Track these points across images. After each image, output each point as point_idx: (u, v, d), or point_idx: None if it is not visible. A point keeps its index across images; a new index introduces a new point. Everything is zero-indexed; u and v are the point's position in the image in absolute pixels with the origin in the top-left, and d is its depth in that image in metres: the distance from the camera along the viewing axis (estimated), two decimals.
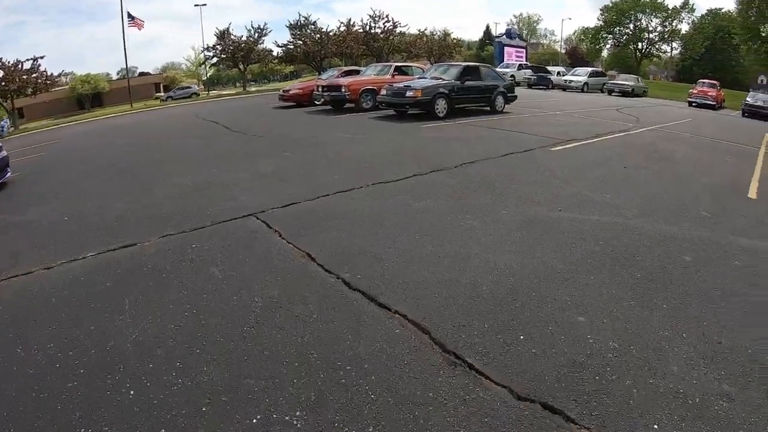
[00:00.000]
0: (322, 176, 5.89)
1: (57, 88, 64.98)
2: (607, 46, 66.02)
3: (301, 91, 16.41)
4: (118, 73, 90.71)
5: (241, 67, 36.78)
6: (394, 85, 12.00)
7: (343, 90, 13.37)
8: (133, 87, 61.81)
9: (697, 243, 3.92)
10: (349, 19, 37.88)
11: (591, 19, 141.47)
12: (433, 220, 4.22)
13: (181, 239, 3.95)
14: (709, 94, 26.36)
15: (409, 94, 11.07)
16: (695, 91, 27.05)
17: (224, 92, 48.12)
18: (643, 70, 61.18)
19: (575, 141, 8.87)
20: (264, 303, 2.83)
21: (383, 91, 12.03)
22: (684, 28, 61.17)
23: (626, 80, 31.90)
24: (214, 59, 35.71)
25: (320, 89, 14.42)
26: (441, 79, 12.02)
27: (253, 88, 53.33)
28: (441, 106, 11.40)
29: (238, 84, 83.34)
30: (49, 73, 28.76)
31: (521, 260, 3.40)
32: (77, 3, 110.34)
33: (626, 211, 4.64)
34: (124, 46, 31.98)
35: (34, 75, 28.13)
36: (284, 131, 10.28)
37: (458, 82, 11.87)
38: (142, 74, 78.22)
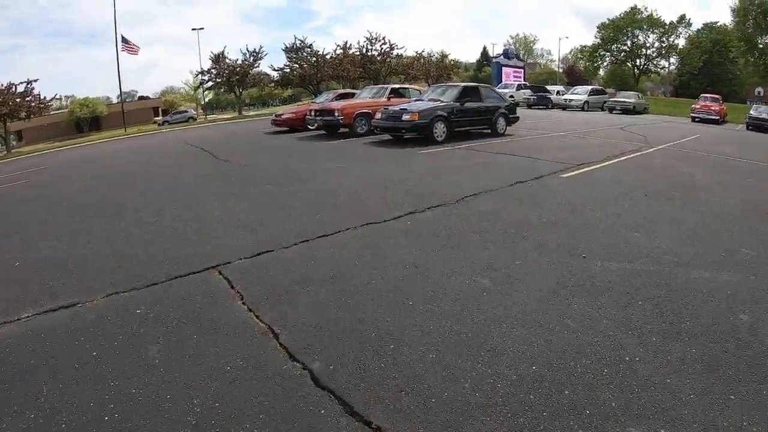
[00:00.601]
0: (304, 215, 5.14)
1: (55, 112, 65.60)
2: (605, 63, 66.09)
3: (293, 115, 15.82)
4: (118, 97, 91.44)
5: (237, 91, 36.44)
6: (390, 108, 11.34)
7: (336, 114, 12.74)
8: (132, 111, 62.19)
9: (747, 294, 3.16)
10: (346, 42, 37.77)
11: (584, 37, 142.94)
12: (433, 279, 3.41)
13: (128, 299, 3.22)
14: (712, 108, 26.04)
15: (405, 117, 10.41)
16: (698, 106, 26.71)
17: (222, 117, 47.94)
18: (640, 87, 61.16)
19: (587, 165, 8.16)
20: (202, 412, 2.04)
21: (378, 115, 11.38)
22: (681, 43, 61.34)
23: (627, 97, 31.47)
24: (210, 83, 35.30)
25: (313, 114, 13.80)
26: (439, 101, 11.39)
27: (252, 113, 53.28)
28: (440, 129, 10.74)
29: (237, 108, 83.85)
30: (42, 97, 28.21)
31: (550, 341, 2.58)
32: (77, 26, 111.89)
33: (661, 255, 3.86)
34: (118, 70, 31.34)
35: (28, 98, 27.67)
36: (272, 160, 9.59)
37: (457, 104, 11.23)
38: (141, 98, 78.62)
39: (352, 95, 15.88)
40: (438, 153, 9.42)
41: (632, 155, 9.76)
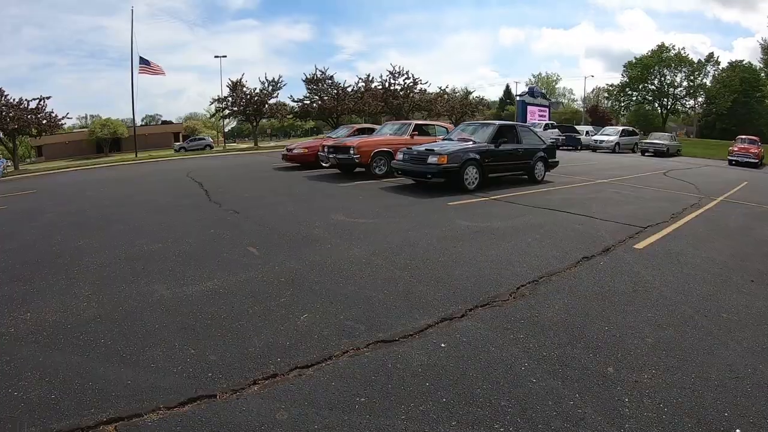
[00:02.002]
0: (281, 317, 3.39)
1: (78, 130, 66.35)
2: (632, 102, 64.56)
3: (306, 150, 14.39)
4: (142, 120, 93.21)
5: (254, 120, 35.54)
6: (414, 148, 9.72)
7: (351, 152, 11.21)
8: (153, 135, 62.83)
9: None
10: (368, 75, 36.86)
11: (603, 77, 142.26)
12: None
13: None
14: (751, 151, 24.63)
15: (431, 160, 8.78)
16: (735, 149, 25.31)
17: (239, 146, 47.33)
18: (666, 127, 59.45)
19: (654, 228, 6.58)
20: None
21: (399, 155, 9.78)
22: (707, 82, 59.69)
23: (660, 139, 29.68)
24: (226, 111, 34.44)
25: (326, 150, 12.31)
26: (470, 141, 9.79)
27: (271, 143, 52.59)
28: (471, 175, 9.09)
29: (259, 137, 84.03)
30: (54, 115, 27.53)
31: None
32: (106, 48, 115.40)
33: None
34: (132, 92, 30.67)
35: (39, 115, 26.97)
36: (270, 206, 7.98)
37: (492, 146, 9.60)
38: (164, 122, 79.57)
39: (372, 131, 14.41)
40: (472, 206, 7.73)
41: (696, 211, 8.18)
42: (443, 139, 10.87)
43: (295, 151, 14.74)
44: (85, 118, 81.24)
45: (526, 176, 10.82)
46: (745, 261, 5.19)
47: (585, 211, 7.58)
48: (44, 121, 27.30)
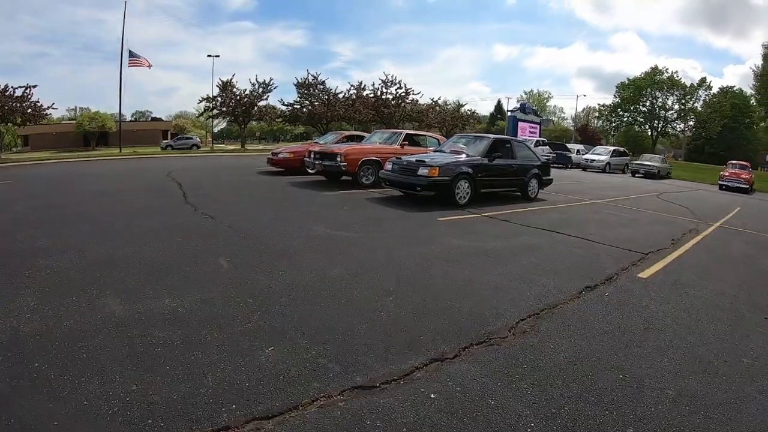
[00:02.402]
0: (243, 349, 2.83)
1: (67, 122, 64.98)
2: (623, 123, 65.25)
3: (291, 155, 13.87)
4: (132, 115, 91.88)
5: (242, 122, 34.85)
6: (404, 158, 9.28)
7: (338, 159, 10.73)
8: (142, 131, 61.89)
9: None
10: (360, 82, 36.44)
11: (593, 98, 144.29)
12: None
13: None
14: (742, 176, 24.96)
15: (422, 172, 8.34)
16: (726, 174, 25.59)
17: (227, 147, 46.61)
18: (655, 149, 60.20)
19: (656, 254, 6.23)
20: None
21: (388, 165, 9.32)
22: (698, 106, 60.65)
23: (651, 161, 29.79)
24: (215, 111, 33.67)
25: (312, 156, 11.81)
26: (463, 154, 9.38)
27: (260, 146, 51.80)
28: (463, 190, 8.67)
29: (248, 140, 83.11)
30: (39, 104, 26.59)
31: None
32: (101, 42, 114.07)
33: None
34: (120, 85, 29.74)
35: (25, 104, 26.01)
36: (248, 212, 7.44)
37: (485, 160, 9.21)
38: (154, 119, 78.31)
39: (361, 138, 13.96)
40: (463, 223, 7.29)
41: (695, 238, 7.90)
42: (434, 151, 10.47)
43: (280, 155, 14.21)
44: (75, 110, 79.94)
45: (519, 193, 10.45)
46: (753, 295, 4.84)
47: (583, 233, 7.19)
48: (29, 110, 26.41)
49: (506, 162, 9.79)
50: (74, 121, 61.32)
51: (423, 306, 3.72)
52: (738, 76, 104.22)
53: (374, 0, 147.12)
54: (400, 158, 9.25)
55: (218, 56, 47.56)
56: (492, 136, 10.39)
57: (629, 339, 3.40)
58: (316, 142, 15.30)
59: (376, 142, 12.33)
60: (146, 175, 13.66)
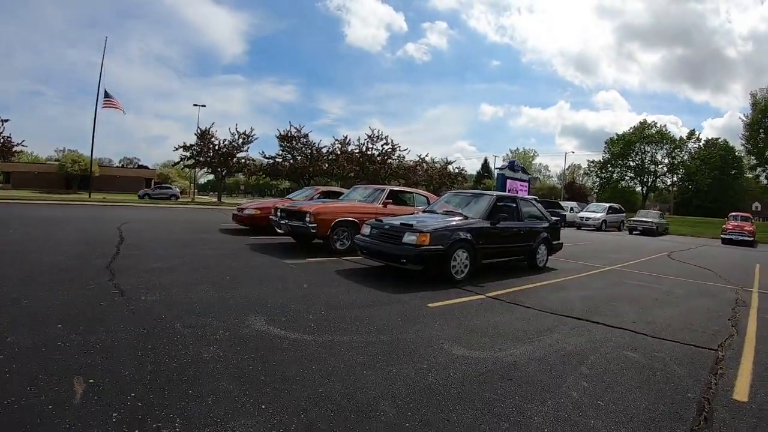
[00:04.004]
0: None
1: (52, 162, 63.27)
2: (612, 179, 65.08)
3: (258, 212, 11.97)
4: (120, 161, 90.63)
5: (220, 173, 33.05)
6: (385, 221, 7.36)
7: (307, 219, 8.82)
8: (125, 178, 60.75)
9: None
10: (345, 137, 35.28)
11: (577, 154, 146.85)
12: None
13: None
14: (746, 228, 24.44)
15: (408, 239, 6.42)
16: (729, 226, 24.86)
17: (206, 200, 44.81)
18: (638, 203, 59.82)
19: (727, 347, 4.56)
20: None
21: (365, 229, 7.38)
22: (686, 159, 60.88)
23: (648, 217, 28.63)
24: (191, 161, 31.89)
25: (278, 214, 9.91)
26: (460, 216, 7.54)
27: (245, 200, 49.83)
28: (460, 262, 6.75)
29: (234, 193, 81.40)
30: (9, 138, 24.89)
31: None
32: (95, 85, 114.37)
33: None
34: (94, 128, 28.14)
35: None
36: (176, 287, 5.32)
37: (487, 223, 7.37)
38: (140, 166, 77.01)
39: (339, 195, 12.16)
40: (464, 311, 5.28)
41: (750, 313, 6.37)
42: (423, 212, 8.61)
43: (246, 211, 12.30)
44: (63, 151, 78.46)
45: (525, 261, 8.59)
46: None
47: (623, 321, 5.29)
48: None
49: (512, 225, 7.99)
50: (57, 162, 60.11)
51: None
52: (716, 129, 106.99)
53: (363, 59, 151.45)
54: (381, 221, 7.32)
55: (204, 106, 46.40)
56: (494, 193, 8.53)
57: None
58: (288, 198, 13.48)
59: (354, 199, 10.48)
60: (95, 226, 12.09)
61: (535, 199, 9.69)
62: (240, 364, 3.28)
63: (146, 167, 75.27)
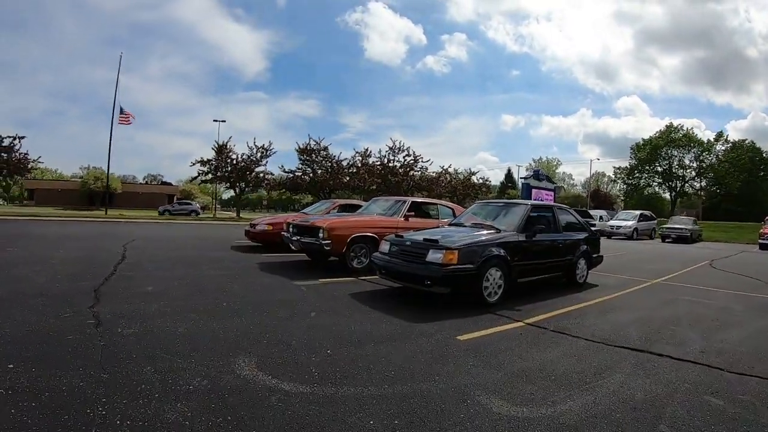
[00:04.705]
0: None
1: (76, 179, 64.88)
2: (640, 185, 62.88)
3: (271, 227, 11.32)
4: (144, 178, 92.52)
5: (237, 188, 32.67)
6: (407, 236, 6.51)
7: (320, 235, 8.07)
8: (149, 194, 61.86)
9: None
10: (366, 149, 34.62)
11: (600, 162, 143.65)
12: None
13: None
14: None
15: (433, 257, 5.58)
16: (767, 231, 23.58)
17: (226, 215, 44.76)
18: (669, 210, 57.53)
19: None
20: None
21: (384, 246, 6.55)
22: (714, 162, 58.33)
23: (682, 223, 27.21)
24: (209, 176, 31.61)
25: (290, 229, 9.18)
26: (491, 229, 6.65)
27: (268, 216, 49.38)
28: (494, 282, 5.87)
29: (258, 208, 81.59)
30: (26, 156, 25.17)
31: None
32: (123, 105, 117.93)
33: None
34: (110, 145, 28.27)
35: (13, 156, 24.52)
36: (162, 315, 4.60)
37: (522, 237, 6.48)
38: (164, 183, 78.33)
39: (357, 208, 11.41)
40: (501, 344, 4.38)
41: None
42: (450, 225, 7.76)
43: (258, 227, 11.65)
44: (88, 168, 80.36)
45: (564, 278, 7.64)
46: None
47: (687, 350, 4.41)
48: (13, 163, 25.11)
49: (550, 237, 7.07)
50: (80, 179, 61.56)
51: None
52: (740, 131, 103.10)
53: (383, 73, 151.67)
54: (402, 236, 6.49)
55: (224, 121, 46.45)
56: (529, 202, 7.60)
57: None
58: (303, 212, 12.77)
59: (373, 212, 9.68)
60: (101, 243, 11.64)
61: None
62: (249, 414, 2.52)
63: (169, 183, 76.35)
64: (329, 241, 7.93)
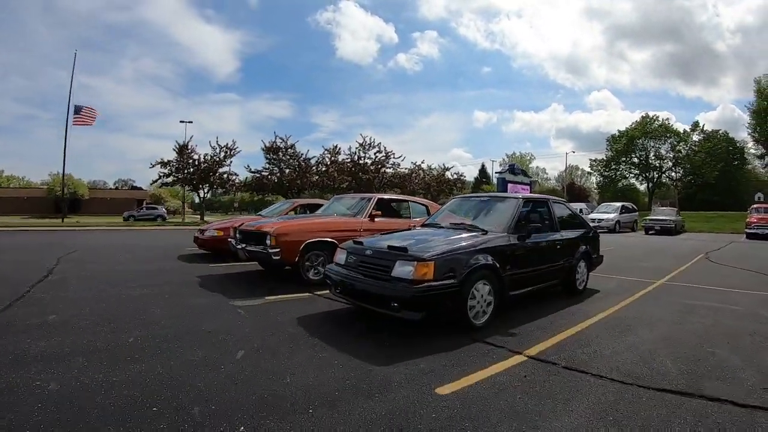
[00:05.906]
0: None
1: (41, 186, 62.04)
2: (615, 176, 63.00)
3: (220, 233, 9.80)
4: (114, 183, 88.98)
5: (200, 190, 30.77)
6: (367, 242, 5.03)
7: (267, 241, 6.63)
8: (118, 199, 59.42)
9: None
10: (335, 146, 33.06)
11: (573, 156, 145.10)
12: None
13: None
14: None
15: (401, 271, 4.17)
16: (754, 220, 23.09)
17: (193, 220, 42.75)
18: (644, 201, 57.71)
19: None
20: None
21: (339, 256, 5.10)
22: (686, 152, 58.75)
23: (665, 215, 26.69)
24: (170, 178, 29.64)
25: (236, 236, 7.72)
26: (473, 229, 5.31)
27: (240, 217, 47.46)
28: (482, 299, 4.51)
29: (231, 211, 79.17)
30: None
31: None
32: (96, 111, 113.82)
33: None
34: (65, 148, 26.23)
35: None
36: (51, 361, 3.15)
37: (514, 238, 5.16)
38: (134, 188, 75.19)
39: (317, 207, 9.95)
40: (494, 398, 3.04)
41: None
42: (423, 225, 6.34)
43: (206, 233, 10.11)
44: (58, 174, 76.84)
45: (560, 285, 6.37)
46: None
47: (746, 390, 3.20)
48: None
49: (547, 238, 5.78)
50: (47, 186, 58.95)
51: None
52: (710, 122, 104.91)
53: (354, 72, 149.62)
54: (361, 242, 5.03)
55: (191, 122, 44.33)
56: (519, 195, 6.14)
57: None
58: (259, 214, 11.28)
59: (334, 212, 8.26)
60: (35, 256, 10.39)
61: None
62: None
63: (140, 188, 73.54)
64: (278, 249, 6.48)
